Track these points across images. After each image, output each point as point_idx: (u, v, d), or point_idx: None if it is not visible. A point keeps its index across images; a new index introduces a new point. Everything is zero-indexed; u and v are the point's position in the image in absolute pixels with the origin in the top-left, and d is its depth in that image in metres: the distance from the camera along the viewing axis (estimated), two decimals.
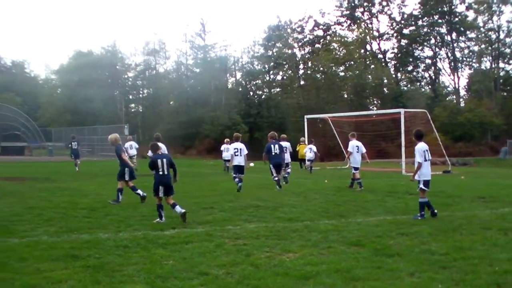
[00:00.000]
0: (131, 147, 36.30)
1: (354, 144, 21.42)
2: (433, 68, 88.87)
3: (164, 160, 12.90)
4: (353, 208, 14.80)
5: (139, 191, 16.48)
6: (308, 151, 33.38)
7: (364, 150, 22.27)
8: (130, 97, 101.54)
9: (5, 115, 76.12)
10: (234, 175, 20.43)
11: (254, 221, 12.51)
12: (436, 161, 43.44)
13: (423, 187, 13.18)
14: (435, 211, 13.07)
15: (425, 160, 13.32)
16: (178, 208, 12.49)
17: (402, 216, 13.18)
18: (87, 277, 7.59)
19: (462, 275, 7.54)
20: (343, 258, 8.58)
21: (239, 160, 20.37)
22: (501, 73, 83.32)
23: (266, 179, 25.84)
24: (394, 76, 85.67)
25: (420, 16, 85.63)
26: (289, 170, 25.44)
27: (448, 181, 25.24)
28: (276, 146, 21.39)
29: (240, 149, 20.53)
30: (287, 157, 24.81)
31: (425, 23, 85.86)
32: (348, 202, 16.27)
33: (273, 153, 21.21)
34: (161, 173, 12.78)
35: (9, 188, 21.63)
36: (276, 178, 20.88)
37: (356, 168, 21.22)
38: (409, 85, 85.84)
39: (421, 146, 13.34)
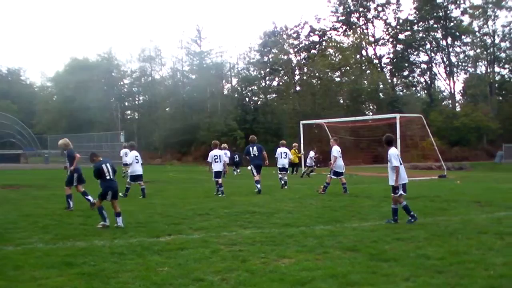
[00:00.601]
0: (126, 155, 36.10)
1: (338, 149, 21.57)
2: (428, 73, 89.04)
3: (108, 165, 12.92)
4: (349, 213, 14.80)
5: (89, 197, 16.57)
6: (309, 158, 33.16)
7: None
8: (126, 104, 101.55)
9: (1, 123, 76.17)
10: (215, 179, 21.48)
11: (249, 227, 12.50)
12: (432, 166, 43.60)
13: (403, 192, 13.05)
14: (415, 215, 13.03)
15: (400, 164, 13.19)
16: (120, 221, 12.69)
17: (398, 221, 13.16)
18: (82, 284, 7.58)
19: (457, 280, 7.54)
20: (338, 263, 8.57)
21: (219, 166, 21.61)
22: (497, 78, 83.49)
23: (263, 185, 25.86)
24: (389, 81, 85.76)
25: (415, 21, 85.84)
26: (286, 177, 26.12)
27: (444, 186, 25.30)
28: (255, 148, 22.98)
29: (220, 155, 21.82)
30: (287, 162, 26.36)
31: (420, 28, 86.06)
32: (344, 207, 16.27)
33: (252, 155, 22.83)
34: (108, 178, 12.79)
35: (4, 196, 21.59)
36: (257, 179, 22.03)
37: (340, 173, 21.37)
38: (404, 90, 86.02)
39: (394, 151, 13.21)
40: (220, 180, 21.31)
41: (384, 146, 13.87)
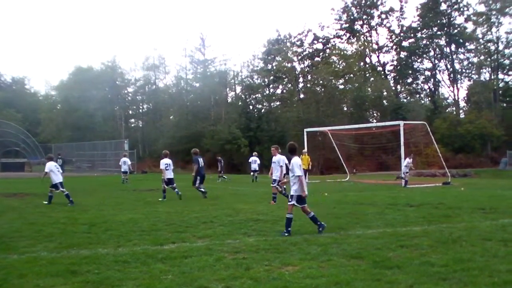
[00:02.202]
0: (124, 163, 39.14)
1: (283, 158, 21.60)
2: (432, 80, 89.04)
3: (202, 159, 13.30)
4: (353, 221, 14.77)
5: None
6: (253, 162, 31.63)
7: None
8: (130, 112, 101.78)
9: (5, 132, 76.19)
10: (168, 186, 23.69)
11: (253, 235, 12.49)
12: (436, 173, 43.53)
13: (296, 204, 12.63)
14: (323, 223, 12.86)
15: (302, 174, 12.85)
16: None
17: (402, 228, 13.14)
18: None
19: (461, 287, 7.53)
20: (342, 271, 8.55)
21: (171, 174, 24.07)
22: (501, 84, 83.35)
23: (267, 192, 25.92)
24: (393, 88, 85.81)
25: (419, 28, 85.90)
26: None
27: (448, 193, 25.24)
28: (201, 159, 25.19)
29: (169, 163, 24.18)
30: (284, 170, 26.19)
31: (424, 35, 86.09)
32: (348, 214, 16.23)
33: (200, 166, 24.85)
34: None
35: (9, 204, 21.63)
36: (202, 189, 24.28)
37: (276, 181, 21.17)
38: (408, 97, 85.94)
39: (297, 160, 12.96)
40: (175, 185, 23.85)
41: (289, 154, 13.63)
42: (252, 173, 39.03)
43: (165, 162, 24.17)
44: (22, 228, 14.12)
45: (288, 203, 12.77)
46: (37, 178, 48.09)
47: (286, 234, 12.27)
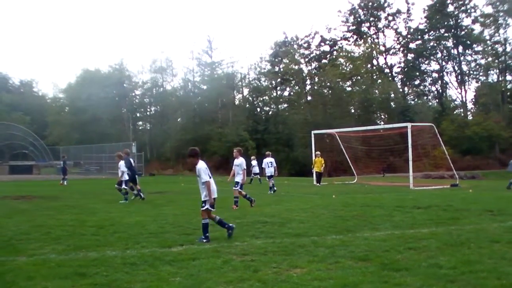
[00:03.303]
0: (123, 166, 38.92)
1: (268, 161, 21.57)
2: (440, 81, 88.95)
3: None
4: (360, 223, 14.73)
5: None
6: (268, 165, 30.98)
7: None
8: (138, 114, 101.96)
9: (14, 134, 76.55)
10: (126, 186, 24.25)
11: (261, 237, 12.47)
12: (444, 175, 43.44)
13: (210, 208, 12.35)
14: (231, 225, 12.70)
15: (210, 177, 12.58)
16: None
17: (410, 231, 13.09)
18: None
19: None
20: (350, 273, 8.53)
21: (126, 176, 24.33)
22: (508, 86, 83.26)
23: (275, 195, 25.95)
24: (401, 90, 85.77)
25: (426, 30, 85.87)
26: (273, 182, 29.73)
27: (456, 195, 25.15)
28: (132, 160, 26.06)
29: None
30: (272, 170, 29.63)
31: (431, 37, 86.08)
32: (356, 217, 16.20)
33: (133, 165, 25.81)
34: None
35: (17, 207, 21.68)
36: (135, 191, 24.83)
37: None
38: (416, 99, 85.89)
39: (203, 165, 12.51)
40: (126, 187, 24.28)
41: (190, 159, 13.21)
42: (254, 176, 39.01)
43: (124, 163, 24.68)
44: (30, 230, 14.14)
45: (201, 209, 12.40)
46: (44, 181, 48.28)
47: (204, 240, 11.91)
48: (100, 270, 9.03)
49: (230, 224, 12.74)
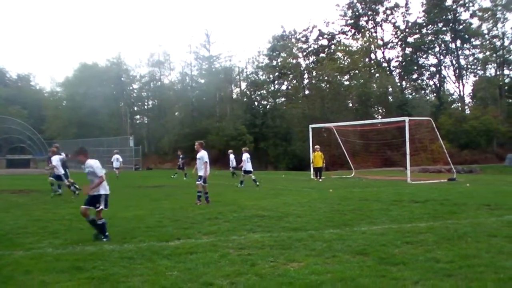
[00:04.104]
0: (117, 160, 42.35)
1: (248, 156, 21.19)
2: (437, 76, 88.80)
3: None
4: (358, 217, 14.76)
5: None
6: (247, 160, 31.25)
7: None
8: (135, 108, 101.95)
9: (11, 128, 76.51)
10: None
11: (258, 231, 12.49)
12: (442, 169, 43.45)
13: (103, 207, 11.93)
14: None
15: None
16: None
17: (407, 225, 13.12)
18: None
19: (467, 283, 7.52)
20: (347, 267, 8.55)
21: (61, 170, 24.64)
22: (506, 80, 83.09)
23: (272, 189, 25.98)
24: (399, 84, 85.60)
25: (424, 24, 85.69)
26: (254, 177, 30.49)
27: (454, 189, 25.18)
28: (63, 154, 26.49)
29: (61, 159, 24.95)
30: (250, 165, 30.02)
31: (429, 31, 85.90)
32: (353, 211, 16.23)
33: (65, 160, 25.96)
34: None
35: (14, 201, 21.69)
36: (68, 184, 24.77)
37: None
38: (414, 93, 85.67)
39: (95, 162, 12.18)
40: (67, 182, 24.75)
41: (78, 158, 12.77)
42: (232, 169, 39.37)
43: (59, 157, 24.75)
44: (27, 224, 14.16)
45: (96, 209, 11.89)
46: (42, 175, 48.26)
47: (105, 240, 11.56)
48: (97, 264, 9.06)
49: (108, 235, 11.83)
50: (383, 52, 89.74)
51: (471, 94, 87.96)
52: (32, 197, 23.59)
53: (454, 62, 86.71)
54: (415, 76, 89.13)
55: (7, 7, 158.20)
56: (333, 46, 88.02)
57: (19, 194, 25.73)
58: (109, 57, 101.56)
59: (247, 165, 30.48)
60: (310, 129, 41.27)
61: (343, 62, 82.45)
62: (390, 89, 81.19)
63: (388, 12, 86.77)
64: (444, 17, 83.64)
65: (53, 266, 8.95)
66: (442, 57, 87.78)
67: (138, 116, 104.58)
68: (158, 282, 7.81)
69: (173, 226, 13.47)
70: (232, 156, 38.00)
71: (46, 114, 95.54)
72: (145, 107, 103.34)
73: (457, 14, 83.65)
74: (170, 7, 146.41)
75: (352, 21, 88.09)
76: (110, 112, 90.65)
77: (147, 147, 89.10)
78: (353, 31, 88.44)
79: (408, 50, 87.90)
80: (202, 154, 19.98)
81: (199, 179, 19.82)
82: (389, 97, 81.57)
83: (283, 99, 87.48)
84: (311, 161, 37.67)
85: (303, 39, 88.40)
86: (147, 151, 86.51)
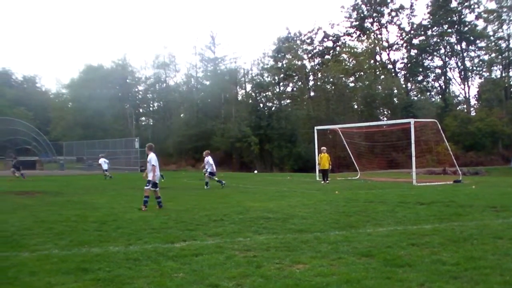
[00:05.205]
0: (105, 163, 44.06)
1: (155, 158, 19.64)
2: (443, 77, 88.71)
3: None
4: (363, 219, 14.73)
5: None
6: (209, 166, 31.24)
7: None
8: (141, 110, 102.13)
9: (17, 130, 76.64)
10: None
11: (264, 233, 12.48)
12: (447, 171, 43.37)
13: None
14: None
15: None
16: None
17: (413, 226, 13.09)
18: None
19: (473, 285, 7.50)
20: (353, 269, 8.54)
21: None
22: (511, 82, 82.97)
23: (278, 190, 25.97)
24: (404, 86, 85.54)
25: (429, 26, 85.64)
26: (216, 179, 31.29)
27: (459, 191, 25.10)
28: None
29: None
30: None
31: (434, 33, 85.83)
32: (359, 213, 16.20)
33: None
34: None
35: (20, 202, 21.70)
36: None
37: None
38: (419, 95, 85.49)
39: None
40: None
41: None
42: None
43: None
44: (33, 226, 14.17)
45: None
46: (47, 176, 48.37)
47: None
48: (103, 266, 9.07)
49: None
50: (388, 54, 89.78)
51: (476, 95, 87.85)
52: (37, 199, 23.59)
53: (459, 63, 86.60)
54: (420, 78, 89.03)
55: (13, 9, 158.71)
56: (338, 48, 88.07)
57: (24, 195, 25.72)
58: (115, 59, 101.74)
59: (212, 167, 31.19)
60: (316, 131, 41.23)
61: (348, 64, 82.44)
62: (395, 91, 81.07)
63: (393, 13, 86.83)
64: (449, 18, 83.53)
65: (58, 268, 8.96)
66: (447, 59, 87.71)
67: (143, 118, 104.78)
68: (164, 284, 7.81)
69: (179, 227, 13.46)
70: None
71: (51, 116, 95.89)
72: (150, 108, 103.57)
73: (463, 16, 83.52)
74: (175, 9, 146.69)
75: (357, 22, 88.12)
76: (116, 114, 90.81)
77: None
78: (358, 32, 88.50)
79: (413, 52, 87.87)
80: (150, 157, 19.07)
81: (148, 184, 18.76)
82: (394, 99, 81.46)
83: (288, 101, 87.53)
84: (317, 163, 37.50)
85: (308, 40, 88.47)
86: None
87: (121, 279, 8.14)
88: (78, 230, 13.37)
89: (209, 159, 31.12)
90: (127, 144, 67.40)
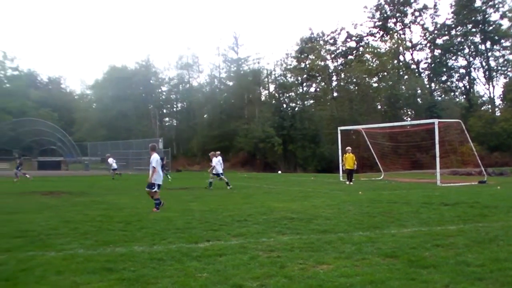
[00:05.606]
0: (114, 162, 45.63)
1: (157, 158, 19.11)
2: (467, 77, 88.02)
3: None
4: (387, 220, 14.68)
5: None
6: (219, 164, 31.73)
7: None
8: (164, 111, 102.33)
9: (42, 130, 77.34)
10: None
11: (288, 233, 12.47)
12: (472, 171, 43.04)
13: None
14: None
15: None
16: None
17: (437, 227, 13.03)
18: None
19: (498, 287, 7.46)
20: (377, 270, 8.52)
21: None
22: None
23: (301, 191, 25.94)
24: (427, 86, 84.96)
25: (453, 25, 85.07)
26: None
27: (484, 192, 24.92)
28: None
29: None
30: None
31: (458, 33, 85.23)
32: (383, 213, 16.14)
33: None
34: None
35: (45, 202, 21.87)
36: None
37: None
38: (443, 95, 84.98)
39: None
40: None
41: None
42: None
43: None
44: (58, 225, 14.27)
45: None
46: (72, 177, 48.76)
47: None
48: (127, 265, 9.11)
49: None
50: (411, 54, 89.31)
51: (501, 96, 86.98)
52: (63, 199, 23.78)
53: (483, 63, 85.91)
54: (444, 78, 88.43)
55: (39, 11, 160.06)
56: (361, 48, 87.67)
57: (50, 195, 25.94)
58: (138, 60, 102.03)
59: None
60: (339, 131, 41.14)
61: (372, 64, 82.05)
62: (419, 91, 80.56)
63: (417, 13, 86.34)
64: (473, 18, 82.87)
65: (84, 267, 9.03)
66: (471, 59, 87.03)
67: (167, 118, 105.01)
68: (188, 284, 7.83)
69: (202, 228, 13.50)
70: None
71: (75, 117, 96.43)
72: (174, 109, 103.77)
73: (487, 15, 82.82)
74: (199, 10, 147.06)
75: (380, 23, 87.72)
76: (139, 114, 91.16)
77: (176, 149, 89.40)
78: (381, 33, 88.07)
79: (437, 52, 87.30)
80: (152, 158, 18.60)
81: (153, 187, 18.51)
82: (418, 99, 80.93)
83: (311, 101, 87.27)
84: (341, 163, 37.40)
85: (331, 41, 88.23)
86: (176, 153, 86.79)
87: (146, 279, 8.18)
88: (103, 230, 13.45)
89: (216, 160, 31.61)
90: None
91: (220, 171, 31.49)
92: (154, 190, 18.42)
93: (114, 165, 45.24)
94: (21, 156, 46.10)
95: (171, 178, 39.96)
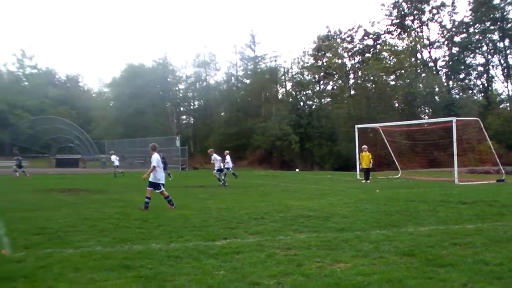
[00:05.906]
0: (116, 159, 45.58)
1: (158, 158, 18.90)
2: (485, 75, 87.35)
3: None
4: (404, 218, 14.63)
5: None
6: (217, 162, 32.31)
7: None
8: (181, 108, 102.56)
9: (60, 128, 77.77)
10: None
11: (305, 231, 12.47)
12: (490, 170, 42.75)
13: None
14: None
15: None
16: None
17: (455, 226, 12.97)
18: (139, 287, 7.68)
19: None
20: (394, 268, 8.49)
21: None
22: None
23: (318, 189, 25.92)
24: (445, 84, 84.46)
25: (471, 23, 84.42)
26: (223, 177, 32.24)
27: (503, 190, 24.79)
28: None
29: None
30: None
31: (476, 30, 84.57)
32: (400, 212, 16.10)
33: None
34: None
35: (63, 200, 22.00)
36: None
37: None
38: (461, 93, 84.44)
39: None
40: None
41: None
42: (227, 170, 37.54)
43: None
44: (76, 223, 14.35)
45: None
46: (90, 174, 49.02)
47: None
48: (144, 263, 9.14)
49: None
50: (429, 52, 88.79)
51: None
52: (80, 196, 23.91)
53: (502, 61, 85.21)
54: (462, 75, 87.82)
55: (57, 10, 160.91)
56: (378, 46, 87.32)
57: (68, 193, 26.09)
58: (155, 58, 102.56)
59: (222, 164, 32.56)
60: (356, 129, 41.05)
61: (389, 62, 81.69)
62: (437, 89, 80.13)
63: (434, 11, 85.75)
64: (491, 15, 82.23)
65: (101, 264, 9.07)
66: (490, 57, 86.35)
67: (184, 116, 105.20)
68: (205, 281, 7.85)
69: (219, 225, 13.53)
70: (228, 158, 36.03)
71: (93, 115, 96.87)
72: (191, 107, 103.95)
73: (505, 13, 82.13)
74: (216, 8, 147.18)
75: (398, 20, 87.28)
76: (156, 112, 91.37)
77: (193, 147, 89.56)
78: (398, 30, 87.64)
79: (455, 50, 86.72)
80: (152, 157, 18.51)
81: (160, 187, 18.58)
82: (436, 97, 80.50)
83: (328, 99, 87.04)
84: (358, 161, 37.35)
85: (349, 39, 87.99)
86: (193, 151, 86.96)
87: (163, 276, 8.20)
88: (120, 227, 13.51)
89: (216, 156, 32.41)
90: (168, 142, 67.76)
91: (221, 167, 32.28)
92: (161, 190, 18.51)
93: (116, 162, 45.23)
94: (18, 155, 45.60)
95: (171, 178, 39.97)
